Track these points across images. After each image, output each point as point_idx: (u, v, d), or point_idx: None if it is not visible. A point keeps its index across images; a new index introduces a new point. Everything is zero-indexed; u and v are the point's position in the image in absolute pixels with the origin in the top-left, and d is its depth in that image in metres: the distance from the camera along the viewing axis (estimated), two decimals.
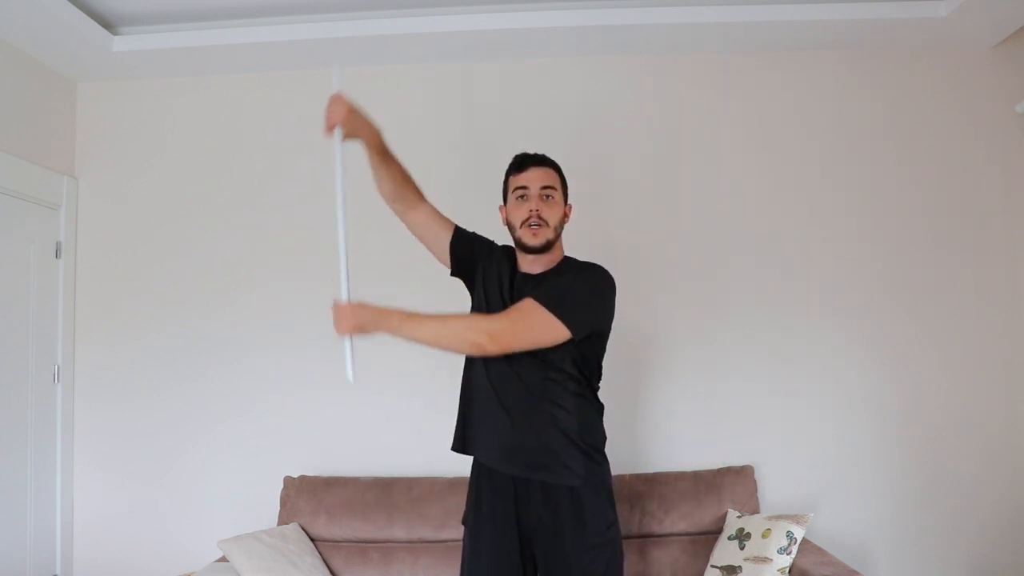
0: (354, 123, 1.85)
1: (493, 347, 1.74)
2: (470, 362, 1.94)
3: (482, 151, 3.14)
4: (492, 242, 2.08)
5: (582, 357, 1.86)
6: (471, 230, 2.08)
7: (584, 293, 1.84)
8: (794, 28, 2.97)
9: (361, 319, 1.72)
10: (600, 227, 3.12)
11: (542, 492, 1.84)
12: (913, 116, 3.15)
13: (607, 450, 1.95)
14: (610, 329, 1.93)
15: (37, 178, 3.07)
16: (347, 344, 1.73)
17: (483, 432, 1.89)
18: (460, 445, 1.94)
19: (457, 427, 1.95)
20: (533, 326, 1.75)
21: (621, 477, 2.85)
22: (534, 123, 3.18)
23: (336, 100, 1.84)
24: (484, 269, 1.99)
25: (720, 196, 3.15)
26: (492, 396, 1.86)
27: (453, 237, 2.02)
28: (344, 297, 1.76)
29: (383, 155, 1.95)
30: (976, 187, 3.12)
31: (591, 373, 1.92)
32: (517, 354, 1.80)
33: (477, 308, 1.99)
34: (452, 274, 2.07)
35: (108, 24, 3.02)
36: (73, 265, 3.26)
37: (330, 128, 1.83)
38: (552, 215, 1.90)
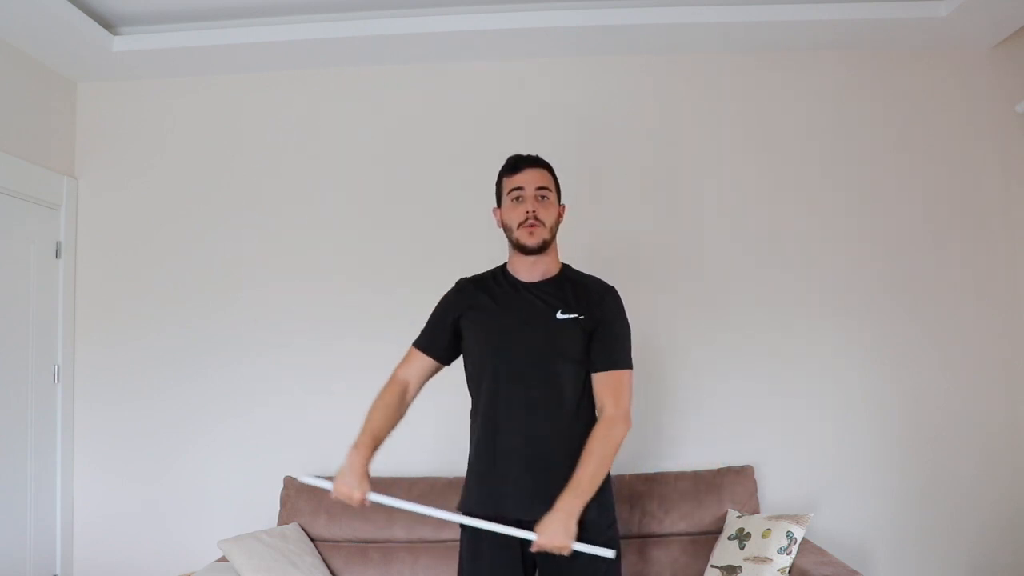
0: (361, 486, 1.83)
1: (628, 427, 1.88)
2: (488, 426, 1.91)
3: (481, 151, 3.14)
4: (448, 299, 2.03)
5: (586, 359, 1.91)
6: (423, 330, 2.03)
7: (625, 328, 1.97)
8: (794, 28, 2.97)
9: (570, 527, 1.70)
10: (600, 227, 3.13)
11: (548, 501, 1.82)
12: (913, 116, 3.15)
13: None
14: None
15: (37, 178, 3.07)
16: (581, 547, 1.70)
17: (505, 488, 1.87)
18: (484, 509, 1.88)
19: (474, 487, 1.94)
20: (626, 388, 1.91)
21: (621, 477, 2.85)
22: (534, 123, 3.18)
23: (340, 492, 1.83)
24: (465, 318, 1.96)
25: (720, 196, 3.15)
26: (521, 451, 1.85)
27: (429, 354, 2.00)
28: (521, 534, 1.74)
29: (381, 441, 1.97)
30: (976, 187, 3.12)
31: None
32: (540, 390, 1.86)
33: (476, 342, 1.95)
34: (451, 362, 2.03)
35: (108, 24, 3.02)
36: (73, 265, 3.26)
37: (361, 504, 1.83)
38: (548, 215, 1.90)
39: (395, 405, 1.97)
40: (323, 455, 3.12)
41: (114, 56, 3.07)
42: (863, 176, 3.13)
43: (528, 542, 1.79)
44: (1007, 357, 3.06)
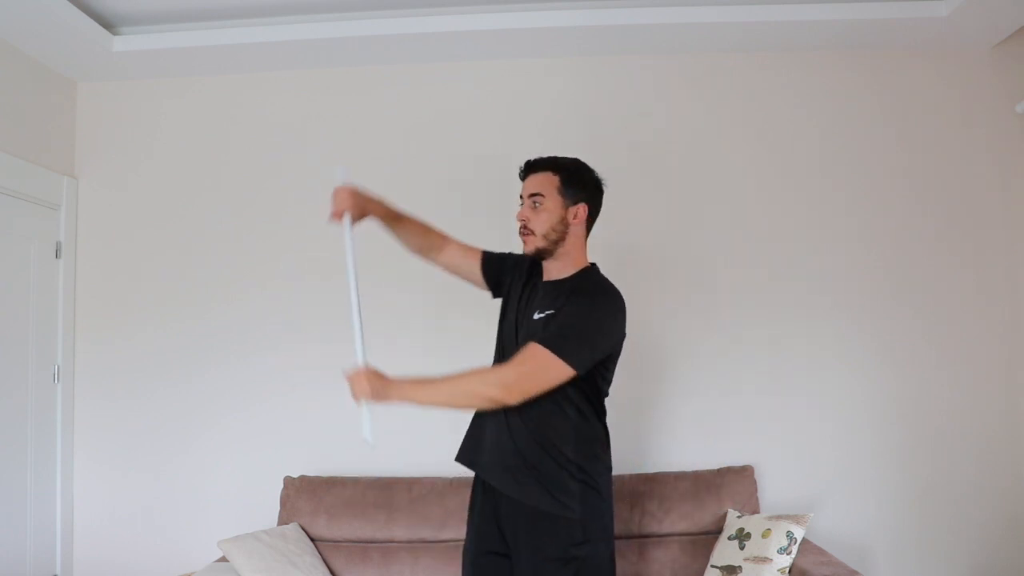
0: (360, 205, 1.89)
1: (510, 398, 1.74)
2: None
3: (483, 151, 3.15)
4: (520, 258, 2.04)
5: (581, 379, 1.82)
6: (501, 251, 2.10)
7: (588, 328, 1.78)
8: (794, 28, 2.97)
9: (376, 387, 1.72)
10: (599, 227, 3.11)
11: (512, 503, 1.83)
12: (913, 116, 3.15)
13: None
14: (619, 352, 1.89)
15: (37, 178, 3.07)
16: (364, 409, 1.74)
17: (483, 445, 1.90)
18: (464, 457, 1.96)
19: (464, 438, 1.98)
20: (540, 371, 1.73)
21: (621, 477, 2.85)
22: (534, 123, 3.18)
23: (339, 191, 1.88)
24: (510, 284, 2.02)
25: (720, 196, 3.15)
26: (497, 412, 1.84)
27: (482, 264, 2.05)
28: (360, 362, 1.77)
29: (396, 219, 2.00)
30: (976, 187, 3.12)
31: (593, 391, 1.86)
32: None
33: (501, 314, 2.02)
34: (494, 297, 2.09)
35: (108, 24, 3.02)
36: (73, 265, 3.26)
37: (337, 215, 1.87)
38: (539, 222, 1.87)
39: (427, 235, 2.04)
40: (323, 455, 3.13)
41: (114, 56, 3.07)
42: (863, 176, 3.13)
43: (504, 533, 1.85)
44: (1007, 357, 3.06)
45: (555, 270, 1.93)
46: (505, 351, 1.93)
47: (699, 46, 3.13)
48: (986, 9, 2.82)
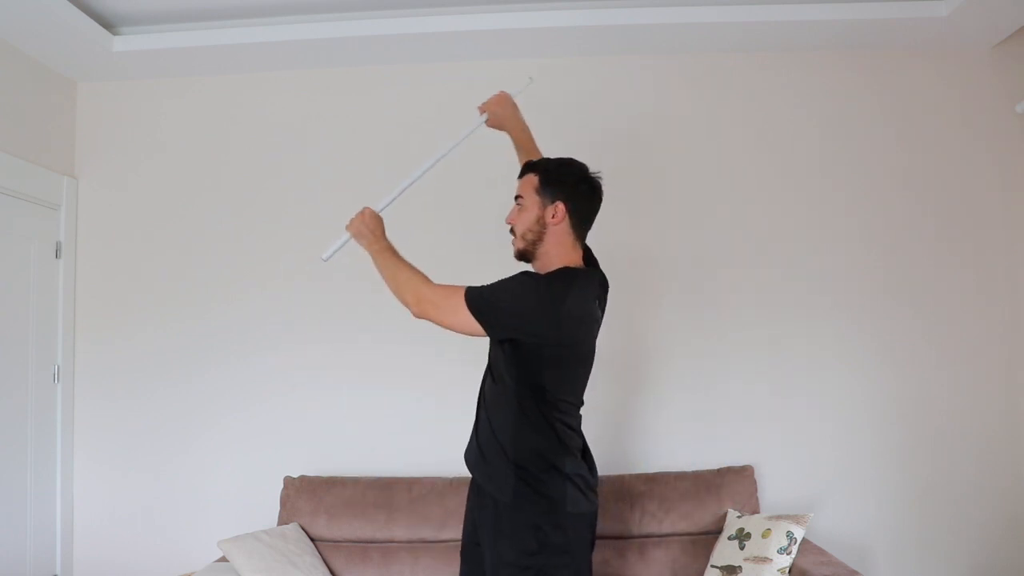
0: (507, 116, 2.19)
1: (415, 309, 1.82)
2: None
3: (483, 151, 3.14)
4: None
5: (518, 372, 1.80)
6: None
7: (505, 295, 1.76)
8: (794, 28, 2.97)
9: (367, 228, 1.95)
10: (599, 227, 3.11)
11: (478, 496, 1.91)
12: (913, 116, 3.15)
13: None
14: (573, 359, 1.84)
15: (37, 178, 3.07)
16: (345, 238, 1.99)
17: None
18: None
19: None
20: (448, 306, 1.78)
21: (621, 477, 2.85)
22: (533, 123, 3.17)
23: (500, 94, 2.18)
24: None
25: (720, 196, 3.15)
26: (480, 398, 1.97)
27: None
28: (378, 207, 2.01)
29: (526, 151, 2.19)
30: (976, 187, 3.12)
31: (536, 391, 1.80)
32: (490, 358, 1.93)
33: None
34: None
35: (108, 24, 3.02)
36: (73, 265, 3.26)
37: (481, 110, 2.15)
38: (519, 223, 1.90)
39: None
40: (323, 455, 3.13)
41: (114, 56, 3.07)
42: (863, 176, 3.13)
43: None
44: (1007, 357, 3.06)
45: (535, 268, 1.92)
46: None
47: (699, 46, 3.13)
48: (986, 9, 2.82)
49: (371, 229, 1.95)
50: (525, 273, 1.83)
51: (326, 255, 2.00)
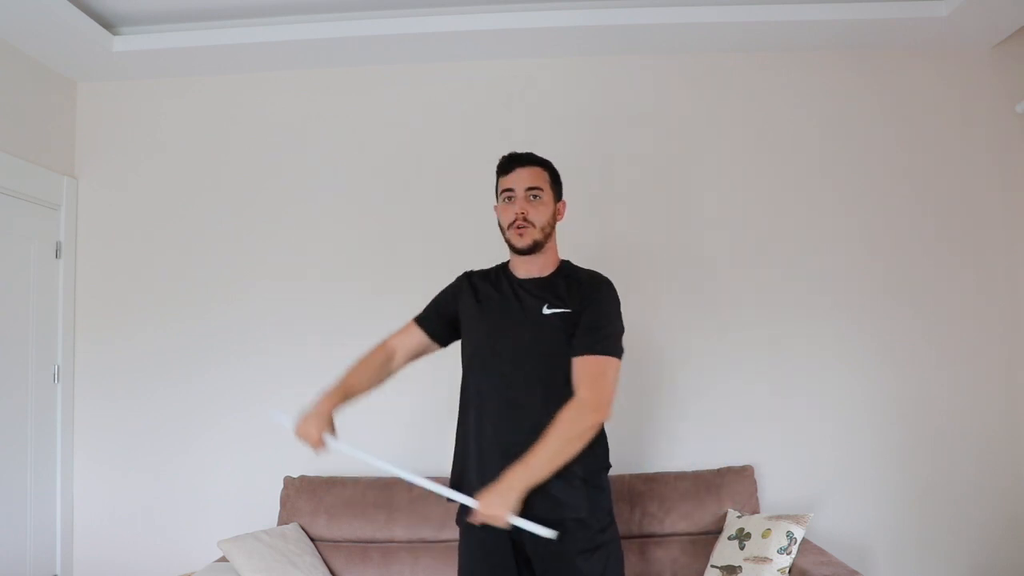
0: (323, 423, 1.87)
1: (601, 416, 1.77)
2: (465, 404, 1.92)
3: (482, 151, 3.14)
4: (453, 285, 2.05)
5: None
6: (426, 307, 2.05)
7: (615, 319, 1.87)
8: (794, 28, 2.97)
9: (509, 500, 1.67)
10: (600, 227, 3.13)
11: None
12: (913, 116, 3.15)
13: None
14: None
15: (37, 178, 3.07)
16: (520, 521, 1.67)
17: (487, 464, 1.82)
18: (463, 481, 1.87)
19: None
20: (612, 375, 1.79)
21: (621, 477, 2.85)
22: (534, 123, 3.18)
23: (302, 429, 1.86)
24: (462, 307, 1.98)
25: (720, 196, 3.15)
26: (493, 430, 1.83)
27: (424, 328, 2.01)
28: (475, 503, 1.70)
29: (349, 390, 1.95)
30: (976, 187, 3.12)
31: None
32: (519, 390, 1.82)
33: (468, 335, 1.95)
34: (445, 344, 2.04)
35: (108, 24, 3.02)
36: (73, 265, 3.26)
37: (319, 445, 1.86)
38: (539, 216, 1.88)
39: (376, 367, 1.98)
40: (323, 455, 3.12)
41: (114, 56, 3.07)
42: (863, 176, 3.14)
43: (522, 545, 1.80)
44: (1007, 357, 3.06)
45: (537, 266, 1.93)
46: (487, 358, 1.88)
47: (699, 46, 3.13)
48: (986, 9, 2.82)
49: (504, 497, 1.66)
50: (607, 284, 1.91)
51: (545, 532, 1.65)
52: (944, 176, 3.13)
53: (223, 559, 2.66)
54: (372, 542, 2.83)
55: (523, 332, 1.86)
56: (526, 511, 1.69)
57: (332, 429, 1.86)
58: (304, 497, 2.89)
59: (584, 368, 1.78)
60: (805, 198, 3.14)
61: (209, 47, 3.04)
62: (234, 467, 3.16)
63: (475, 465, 1.85)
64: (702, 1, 2.89)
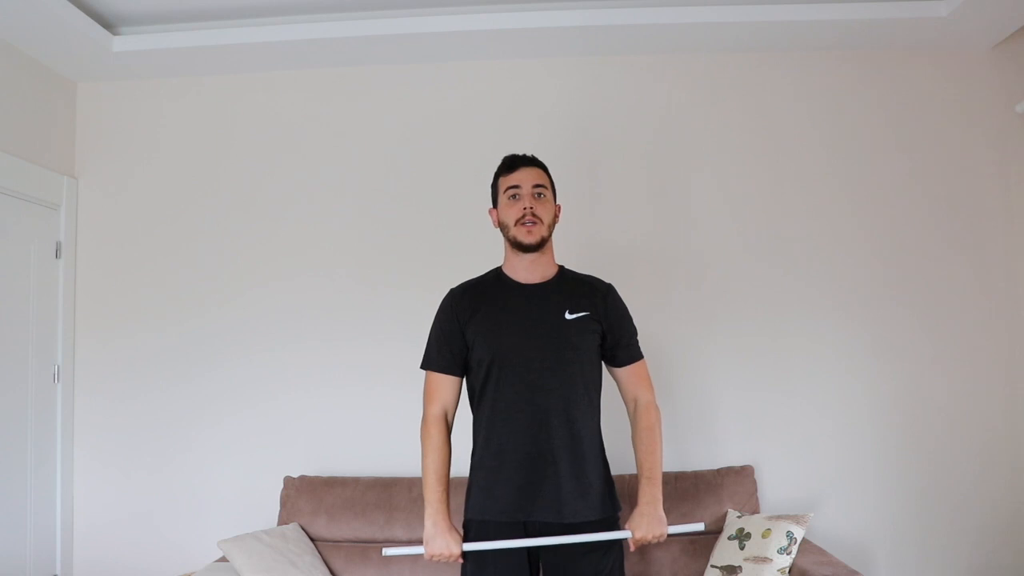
0: (453, 543, 1.83)
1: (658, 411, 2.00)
2: (490, 420, 1.89)
3: (483, 151, 3.14)
4: (447, 312, 1.96)
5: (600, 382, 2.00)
6: (433, 352, 1.95)
7: (632, 320, 2.04)
8: (794, 28, 2.97)
9: (661, 515, 1.86)
10: (600, 227, 3.13)
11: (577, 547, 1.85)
12: (913, 116, 3.15)
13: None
14: None
15: (37, 178, 3.07)
16: (674, 528, 1.88)
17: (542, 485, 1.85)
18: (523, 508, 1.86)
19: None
20: (649, 376, 2.03)
21: (621, 477, 2.83)
22: (534, 123, 3.18)
23: (442, 556, 1.83)
24: (467, 323, 1.92)
25: (720, 196, 3.15)
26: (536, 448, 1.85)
27: (452, 374, 1.93)
28: (617, 535, 1.86)
29: (447, 491, 1.90)
30: (976, 187, 3.12)
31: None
32: (553, 397, 1.85)
33: (483, 348, 1.89)
34: (464, 374, 1.98)
35: (108, 24, 3.02)
36: (73, 265, 3.26)
37: (461, 559, 1.85)
38: (545, 213, 1.91)
39: (447, 443, 1.91)
40: (323, 455, 3.13)
41: (114, 56, 3.07)
42: (863, 176, 3.13)
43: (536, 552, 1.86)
44: (1007, 357, 3.07)
45: (539, 270, 1.93)
46: (515, 368, 1.86)
47: (699, 46, 3.13)
48: (986, 9, 2.82)
49: (652, 517, 1.85)
50: (615, 289, 2.03)
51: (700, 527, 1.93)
52: (944, 176, 3.13)
53: (223, 559, 2.66)
54: (372, 542, 2.83)
55: (549, 338, 1.86)
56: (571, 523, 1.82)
57: (459, 536, 1.85)
58: (304, 497, 2.89)
59: (637, 374, 1.98)
60: (805, 198, 3.14)
61: (209, 47, 3.04)
62: (234, 467, 3.16)
63: (513, 476, 1.84)
64: (702, 1, 2.89)
